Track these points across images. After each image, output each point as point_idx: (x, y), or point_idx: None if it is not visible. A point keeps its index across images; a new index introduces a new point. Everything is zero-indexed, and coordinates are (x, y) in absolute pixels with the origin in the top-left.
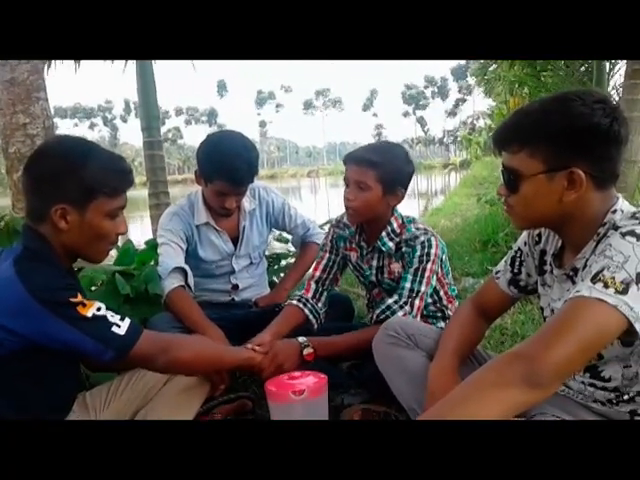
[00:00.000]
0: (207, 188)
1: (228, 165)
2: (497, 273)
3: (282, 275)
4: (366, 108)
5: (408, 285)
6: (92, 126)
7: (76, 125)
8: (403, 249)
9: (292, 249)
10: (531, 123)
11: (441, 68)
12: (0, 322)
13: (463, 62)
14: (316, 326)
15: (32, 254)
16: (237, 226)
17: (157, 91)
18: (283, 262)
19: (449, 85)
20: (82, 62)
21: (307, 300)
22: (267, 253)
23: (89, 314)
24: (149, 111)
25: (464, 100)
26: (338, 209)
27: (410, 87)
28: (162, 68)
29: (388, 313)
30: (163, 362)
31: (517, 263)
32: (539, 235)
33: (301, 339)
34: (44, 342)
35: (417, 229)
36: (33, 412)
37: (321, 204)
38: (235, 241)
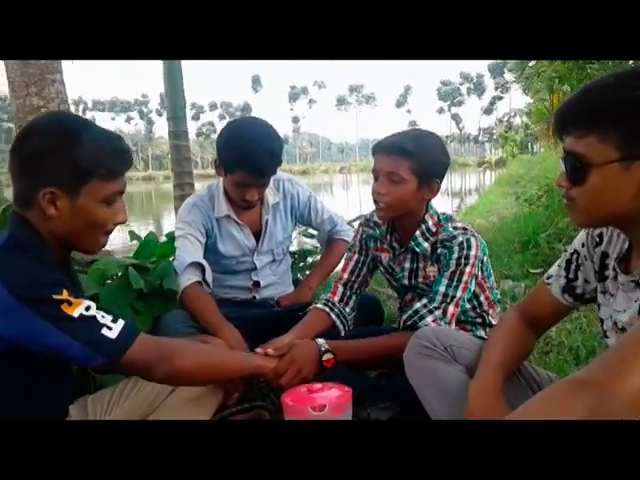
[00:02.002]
0: (227, 179)
1: (249, 154)
2: (549, 278)
3: (307, 273)
4: (400, 104)
5: (442, 289)
6: (128, 120)
7: (113, 119)
8: (439, 250)
9: (319, 245)
10: (603, 101)
11: (477, 64)
12: None
13: None
14: (343, 332)
15: (16, 244)
16: (259, 220)
17: (185, 80)
18: (309, 259)
19: (485, 82)
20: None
21: (334, 304)
22: (292, 249)
23: (75, 314)
24: (175, 100)
25: (501, 97)
26: (370, 206)
27: (445, 83)
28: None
29: (416, 318)
30: (162, 372)
31: (573, 267)
32: (600, 235)
33: (320, 342)
34: (25, 344)
35: (455, 228)
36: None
37: (353, 201)
38: (257, 236)
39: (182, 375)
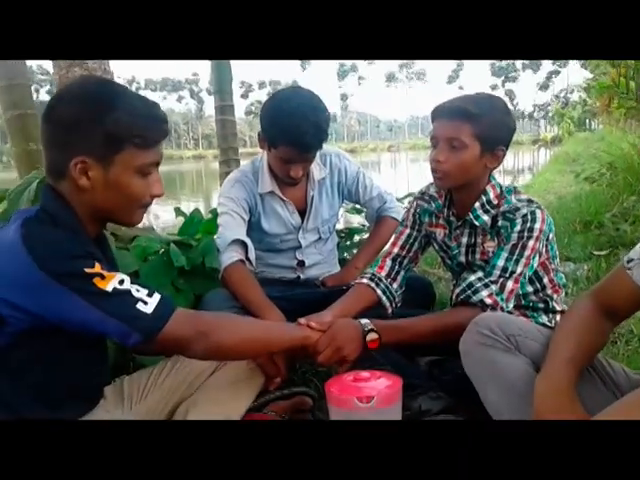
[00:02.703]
0: (271, 153)
1: (293, 128)
2: (629, 262)
3: (355, 252)
4: (451, 80)
5: (501, 263)
6: (179, 99)
7: (164, 98)
8: (500, 223)
9: (367, 223)
10: None
11: None
12: (3, 296)
13: None
14: (390, 310)
15: (47, 216)
16: (305, 196)
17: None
18: (356, 237)
19: None
20: None
21: (380, 279)
22: (338, 227)
23: (109, 288)
24: (222, 73)
25: (557, 72)
26: (418, 184)
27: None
28: None
29: (469, 292)
30: (202, 347)
31: None
32: None
33: (364, 321)
34: (56, 321)
35: (519, 200)
36: (52, 404)
37: (401, 179)
38: (302, 213)
39: (223, 349)
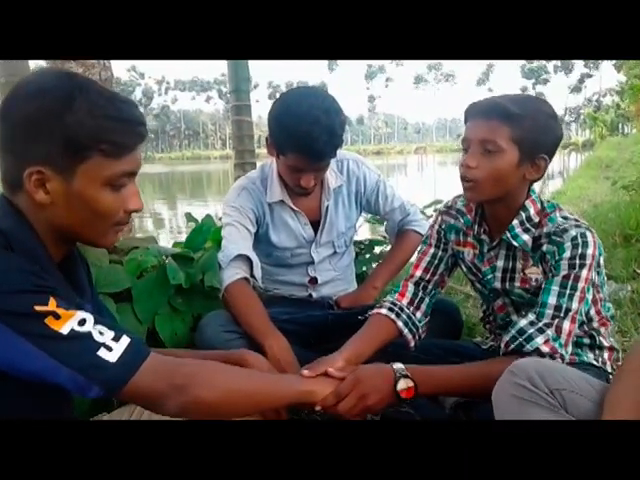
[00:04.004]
0: (279, 160)
1: (303, 134)
2: None
3: (374, 266)
4: (481, 82)
5: (553, 300)
6: (208, 99)
7: (193, 98)
8: (545, 247)
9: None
10: None
11: None
12: None
13: None
14: (413, 344)
15: None
16: (319, 207)
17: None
18: (376, 249)
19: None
20: None
21: (402, 309)
22: (356, 238)
23: (64, 330)
24: (238, 72)
25: (590, 75)
26: (445, 189)
27: (531, 60)
28: None
29: (522, 340)
30: (176, 404)
31: None
32: None
33: (397, 366)
34: (2, 368)
35: (565, 218)
36: None
37: (427, 183)
38: (316, 225)
39: (202, 407)
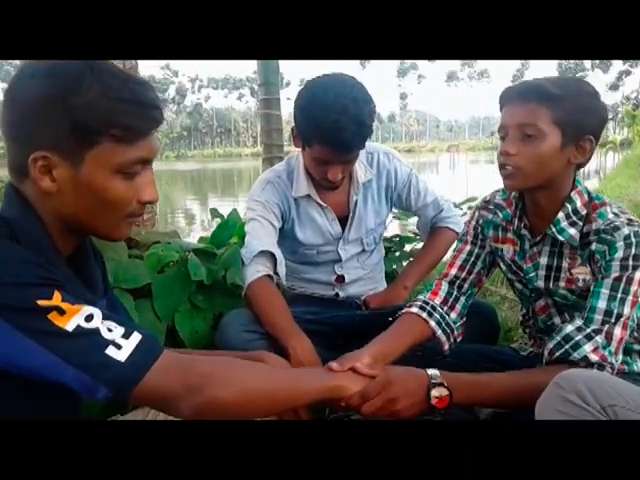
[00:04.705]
0: (305, 152)
1: (330, 124)
2: None
3: (405, 265)
4: (515, 80)
5: (602, 304)
6: (240, 97)
7: (226, 96)
8: (594, 246)
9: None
10: None
11: None
12: None
13: None
14: (447, 346)
15: (2, 225)
16: (347, 202)
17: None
18: (407, 247)
19: None
20: None
21: (434, 307)
22: (386, 234)
23: (69, 326)
24: (267, 64)
25: (629, 72)
26: (478, 188)
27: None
28: None
29: (568, 348)
30: (191, 406)
31: None
32: None
33: (431, 372)
34: (6, 367)
35: (615, 214)
36: None
37: (459, 181)
38: (344, 221)
39: (219, 407)
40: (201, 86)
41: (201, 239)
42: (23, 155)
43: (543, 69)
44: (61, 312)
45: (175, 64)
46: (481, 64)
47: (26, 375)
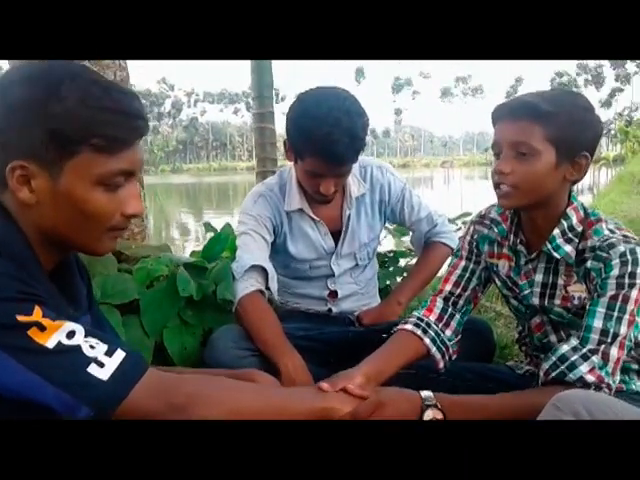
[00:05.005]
0: (298, 166)
1: (322, 136)
2: None
3: (399, 281)
4: (509, 96)
5: (598, 324)
6: (236, 111)
7: (221, 110)
8: (589, 263)
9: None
10: None
11: None
12: None
13: None
14: (442, 365)
15: None
16: (340, 216)
17: (287, 70)
18: (401, 262)
19: (605, 73)
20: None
21: (429, 324)
22: (380, 249)
23: (50, 343)
24: (261, 78)
25: (621, 90)
26: (472, 203)
27: (560, 74)
28: None
29: (563, 368)
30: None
31: None
32: None
33: (425, 394)
34: None
35: (611, 231)
36: None
37: (454, 196)
38: (337, 235)
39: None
40: (197, 100)
41: (193, 253)
42: (1, 164)
43: (536, 85)
44: (41, 328)
45: (171, 78)
46: (475, 80)
47: (5, 395)
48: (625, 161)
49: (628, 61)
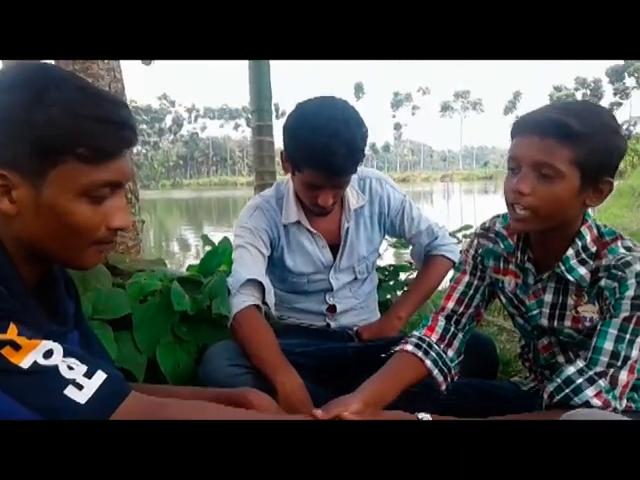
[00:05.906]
0: (295, 177)
1: (320, 147)
2: None
3: (399, 295)
4: (508, 111)
5: (609, 346)
6: (236, 127)
7: (222, 126)
8: (603, 282)
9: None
10: None
11: (594, 68)
12: None
13: (621, 62)
14: (444, 386)
15: None
16: (338, 229)
17: (285, 85)
18: (401, 276)
19: (603, 87)
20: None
21: (430, 345)
22: (380, 263)
23: (25, 363)
24: (260, 91)
25: (620, 104)
26: (472, 217)
27: (559, 89)
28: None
29: (568, 392)
30: None
31: None
32: None
33: (422, 416)
34: None
35: (628, 249)
36: None
37: (454, 210)
38: (335, 248)
39: None
40: (197, 116)
41: (190, 267)
42: None
43: (536, 100)
44: (16, 347)
45: (172, 94)
46: (475, 95)
47: None
48: (625, 175)
49: (626, 75)
